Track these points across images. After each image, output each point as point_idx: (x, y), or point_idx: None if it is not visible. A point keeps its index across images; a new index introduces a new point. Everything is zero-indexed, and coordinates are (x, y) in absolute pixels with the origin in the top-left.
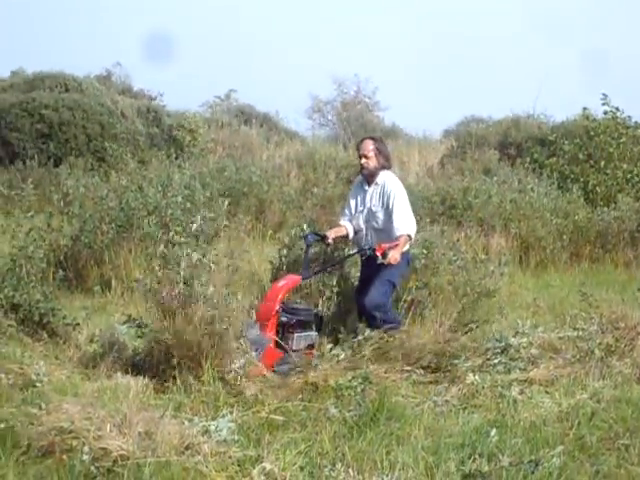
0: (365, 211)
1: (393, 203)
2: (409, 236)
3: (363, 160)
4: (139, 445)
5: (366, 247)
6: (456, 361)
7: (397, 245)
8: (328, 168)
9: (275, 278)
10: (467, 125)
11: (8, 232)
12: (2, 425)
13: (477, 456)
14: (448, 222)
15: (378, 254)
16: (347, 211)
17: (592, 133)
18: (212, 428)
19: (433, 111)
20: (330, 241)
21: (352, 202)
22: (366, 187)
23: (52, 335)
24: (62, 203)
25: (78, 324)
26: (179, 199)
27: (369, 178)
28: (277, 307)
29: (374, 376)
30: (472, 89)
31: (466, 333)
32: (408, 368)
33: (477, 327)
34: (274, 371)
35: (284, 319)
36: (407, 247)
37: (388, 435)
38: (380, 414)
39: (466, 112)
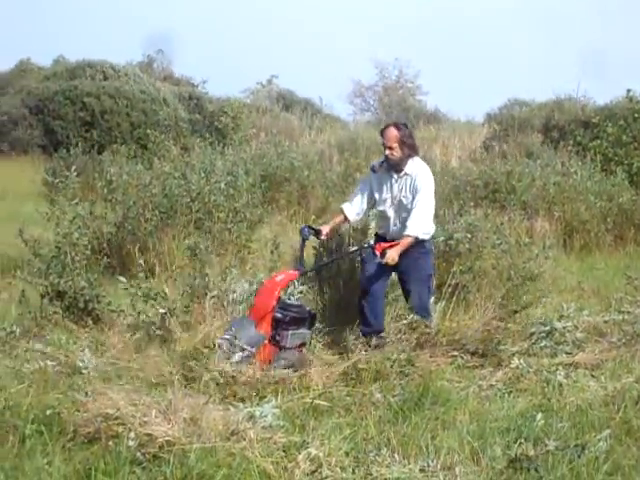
0: (395, 201)
1: (419, 199)
2: (416, 238)
3: (387, 151)
4: (184, 431)
5: (365, 245)
6: (501, 346)
7: (398, 245)
8: (371, 153)
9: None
10: (510, 108)
11: (52, 220)
12: (49, 411)
13: (523, 440)
14: (491, 206)
15: (377, 253)
16: (359, 195)
17: (636, 115)
18: (257, 414)
19: (475, 95)
20: (323, 237)
21: (376, 187)
22: (394, 174)
23: (97, 322)
24: (105, 190)
25: (122, 311)
26: (222, 185)
27: (396, 167)
28: (274, 303)
29: (419, 361)
30: (514, 72)
31: (510, 317)
32: (453, 353)
33: (521, 310)
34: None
35: (279, 315)
36: (430, 234)
37: (433, 420)
38: (425, 398)
39: (509, 95)
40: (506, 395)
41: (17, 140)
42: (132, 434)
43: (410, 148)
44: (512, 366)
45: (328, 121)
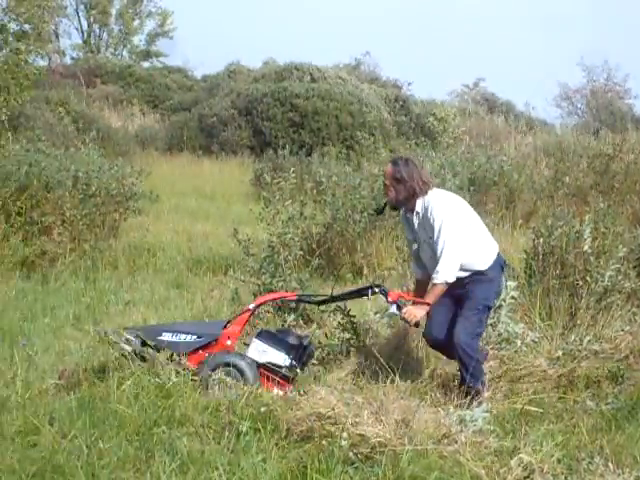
0: (423, 243)
1: (440, 238)
2: (446, 283)
3: (386, 190)
4: (396, 433)
5: (376, 286)
6: None
7: (425, 301)
8: (579, 157)
9: (529, 267)
10: None
11: (265, 220)
12: (263, 409)
13: None
14: None
15: (389, 300)
16: (411, 249)
17: None
18: (467, 418)
19: None
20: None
21: (407, 233)
22: (408, 215)
23: (308, 321)
24: (315, 191)
25: (333, 311)
26: None
27: (404, 206)
28: (252, 306)
29: (631, 369)
30: None
31: None
32: None
33: None
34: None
35: (258, 331)
36: (488, 264)
37: None
38: (639, 408)
39: None
40: None
41: (226, 141)
42: (345, 434)
43: (411, 185)
44: None
45: (533, 124)
